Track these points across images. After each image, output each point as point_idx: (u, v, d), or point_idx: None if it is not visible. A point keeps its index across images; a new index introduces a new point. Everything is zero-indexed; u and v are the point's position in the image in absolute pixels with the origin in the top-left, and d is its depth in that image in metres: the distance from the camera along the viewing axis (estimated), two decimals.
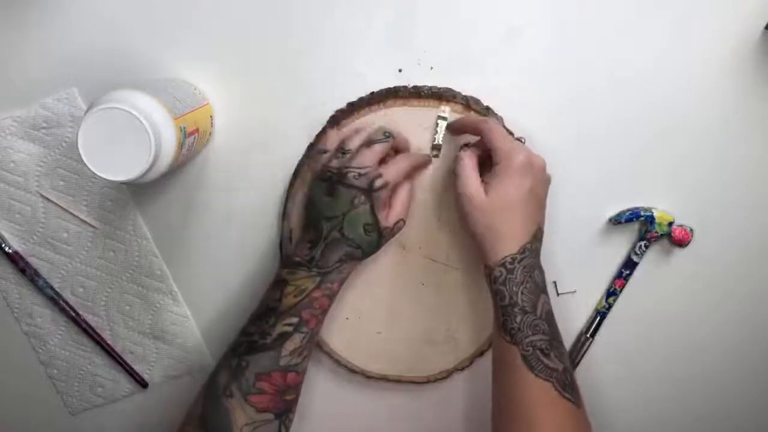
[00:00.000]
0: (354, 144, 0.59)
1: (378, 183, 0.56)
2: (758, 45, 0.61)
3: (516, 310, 0.55)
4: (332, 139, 0.60)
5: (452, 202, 0.64)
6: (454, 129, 0.61)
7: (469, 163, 0.58)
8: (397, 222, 0.59)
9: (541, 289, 0.56)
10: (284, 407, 0.57)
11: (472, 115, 0.61)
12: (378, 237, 0.58)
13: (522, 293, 0.55)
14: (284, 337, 0.56)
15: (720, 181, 0.65)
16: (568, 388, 0.55)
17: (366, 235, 0.57)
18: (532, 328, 0.55)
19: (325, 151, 0.60)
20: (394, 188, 0.59)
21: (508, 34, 0.62)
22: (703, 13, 0.61)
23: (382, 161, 0.59)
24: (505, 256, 0.55)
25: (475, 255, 0.64)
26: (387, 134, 0.59)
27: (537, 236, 0.56)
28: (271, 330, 0.56)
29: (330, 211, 0.57)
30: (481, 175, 0.58)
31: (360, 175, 0.56)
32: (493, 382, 0.59)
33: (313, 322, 0.57)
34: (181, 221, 0.66)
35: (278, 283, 0.58)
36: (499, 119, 0.62)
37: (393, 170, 0.58)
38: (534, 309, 0.55)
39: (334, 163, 0.58)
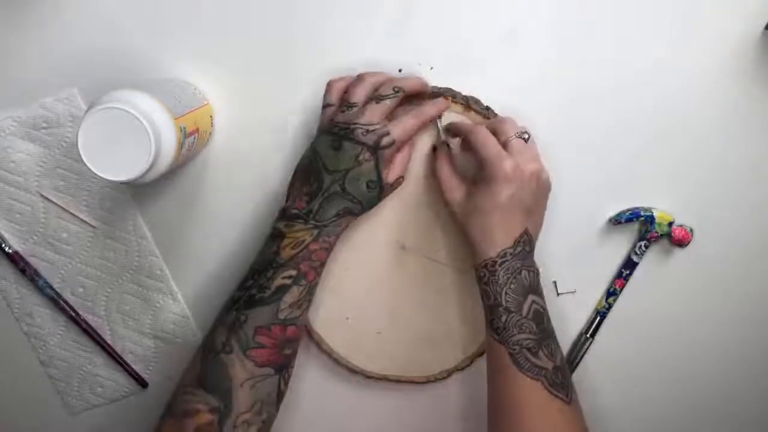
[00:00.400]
0: (359, 97, 0.58)
1: (385, 141, 0.56)
2: (758, 45, 0.61)
3: (500, 309, 0.55)
4: (335, 91, 0.59)
5: None
6: (452, 132, 0.61)
7: (444, 169, 0.60)
8: (397, 179, 0.59)
9: (528, 289, 0.56)
10: (283, 361, 0.56)
11: (464, 123, 0.60)
12: (379, 192, 0.58)
13: (506, 293, 0.55)
14: (283, 290, 0.55)
15: (720, 181, 0.65)
16: (558, 386, 0.55)
17: (368, 191, 0.57)
18: (518, 328, 0.55)
19: (329, 105, 0.59)
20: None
21: (508, 34, 0.62)
22: (703, 13, 0.61)
23: (390, 115, 0.58)
24: (486, 259, 0.56)
25: None
26: (397, 89, 0.58)
27: (521, 240, 0.56)
28: (270, 283, 0.55)
29: (333, 164, 0.56)
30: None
31: (368, 131, 0.56)
32: (487, 380, 0.59)
33: (311, 274, 0.57)
34: (181, 221, 0.66)
35: (275, 236, 0.57)
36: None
37: (401, 128, 0.57)
38: (519, 309, 0.55)
39: (341, 117, 0.57)
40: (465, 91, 0.62)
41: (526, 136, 0.57)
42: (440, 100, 0.60)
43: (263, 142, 0.64)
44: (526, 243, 0.56)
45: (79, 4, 0.61)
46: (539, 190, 0.57)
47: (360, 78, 0.59)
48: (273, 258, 0.56)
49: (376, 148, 0.56)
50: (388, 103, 0.57)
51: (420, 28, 0.61)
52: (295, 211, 0.57)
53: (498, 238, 0.55)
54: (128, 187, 0.65)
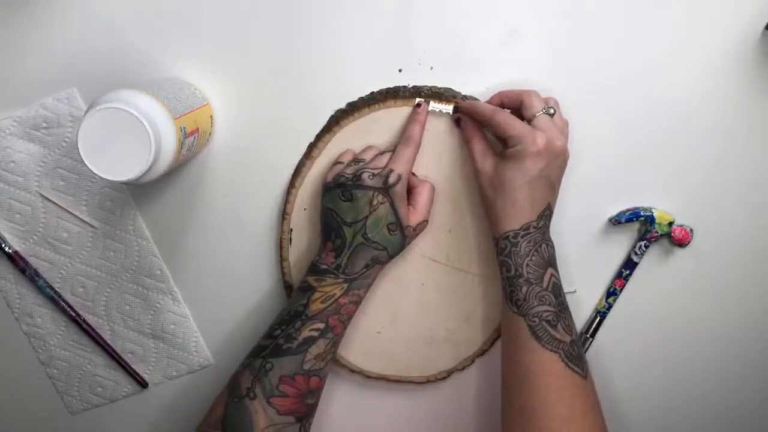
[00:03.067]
0: (368, 155, 0.61)
1: (392, 178, 0.57)
2: (758, 45, 0.61)
3: (521, 281, 0.56)
4: (348, 154, 0.62)
5: (452, 202, 0.64)
6: (464, 111, 0.61)
7: (477, 140, 0.60)
8: (420, 222, 0.60)
9: (547, 262, 0.57)
10: (305, 411, 0.57)
11: (481, 106, 0.60)
12: (402, 236, 0.59)
13: (527, 265, 0.56)
14: (310, 341, 0.56)
15: (720, 181, 0.65)
16: (575, 359, 0.56)
17: (390, 235, 0.58)
18: (539, 299, 0.56)
19: (339, 163, 0.61)
20: (416, 189, 0.61)
21: (509, 34, 0.62)
22: (703, 13, 0.61)
23: None
24: (508, 231, 0.57)
25: (475, 255, 0.65)
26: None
27: (544, 214, 0.57)
28: (297, 334, 0.56)
29: (350, 216, 0.57)
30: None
31: (374, 175, 0.57)
32: (502, 353, 0.60)
33: (338, 328, 0.58)
34: (181, 221, 0.66)
35: (305, 290, 0.58)
36: None
37: (401, 161, 0.59)
38: (540, 281, 0.56)
39: (349, 169, 0.59)
40: (465, 91, 0.62)
41: (552, 111, 0.57)
42: (418, 112, 0.61)
43: (263, 142, 0.64)
44: (547, 217, 0.58)
45: (80, 4, 0.61)
46: (563, 165, 0.58)
47: (369, 146, 0.62)
48: (302, 311, 0.57)
49: (386, 188, 0.57)
50: (389, 155, 0.60)
51: (420, 28, 0.61)
52: (324, 266, 0.58)
53: (524, 212, 0.56)
54: (128, 187, 0.65)
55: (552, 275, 0.57)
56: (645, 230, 0.65)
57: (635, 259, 0.66)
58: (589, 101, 0.63)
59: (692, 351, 0.69)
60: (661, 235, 0.64)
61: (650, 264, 0.67)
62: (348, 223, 0.58)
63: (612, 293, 0.67)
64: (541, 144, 0.55)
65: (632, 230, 0.66)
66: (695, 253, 0.66)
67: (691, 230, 0.64)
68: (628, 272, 0.66)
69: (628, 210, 0.65)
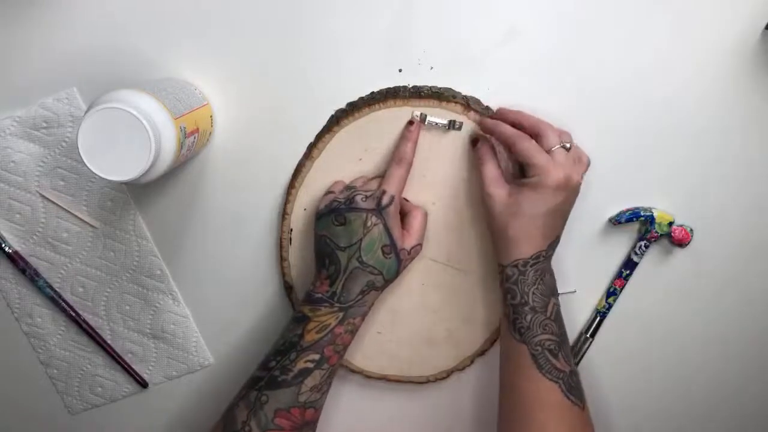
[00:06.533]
0: (359, 182, 0.62)
1: (385, 199, 0.57)
2: (758, 45, 0.61)
3: (526, 309, 0.56)
4: (338, 185, 0.63)
5: (452, 202, 0.64)
6: (485, 129, 0.61)
7: (491, 165, 0.59)
8: (414, 246, 0.60)
9: (551, 291, 0.57)
10: None
11: (505, 127, 0.59)
12: (396, 259, 0.58)
13: (533, 293, 0.56)
14: (305, 373, 0.56)
15: (720, 181, 0.65)
16: (574, 390, 0.56)
17: (385, 258, 0.58)
18: (542, 328, 0.56)
19: (331, 192, 0.62)
20: (410, 213, 0.61)
21: (508, 34, 0.62)
22: (703, 13, 0.61)
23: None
24: (518, 259, 0.57)
25: (476, 255, 0.65)
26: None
27: (553, 245, 0.58)
28: (292, 366, 0.56)
29: (344, 240, 0.57)
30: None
31: (366, 197, 0.58)
32: (500, 380, 0.59)
33: (334, 358, 0.57)
34: (181, 221, 0.66)
35: (299, 319, 0.58)
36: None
37: (393, 182, 0.59)
38: (544, 309, 0.56)
39: (341, 195, 0.59)
40: (465, 91, 0.62)
41: (568, 146, 0.58)
42: (410, 130, 0.61)
43: (263, 142, 0.64)
44: (554, 247, 0.58)
45: (80, 4, 0.61)
46: (575, 200, 0.58)
47: (360, 176, 0.63)
48: (297, 341, 0.57)
49: (379, 210, 0.57)
50: (380, 179, 0.61)
51: (420, 28, 0.61)
52: (318, 295, 0.58)
53: (537, 241, 0.56)
54: (128, 187, 0.65)
55: (555, 304, 0.57)
56: (645, 230, 0.65)
57: (635, 259, 0.66)
58: (588, 101, 0.63)
59: (693, 351, 0.69)
60: (661, 235, 0.64)
61: (650, 264, 0.67)
62: (342, 248, 0.57)
63: (612, 293, 0.67)
64: (561, 179, 0.55)
65: (632, 230, 0.66)
66: (695, 253, 0.66)
67: (691, 230, 0.64)
68: (628, 272, 0.66)
69: (628, 210, 0.65)
